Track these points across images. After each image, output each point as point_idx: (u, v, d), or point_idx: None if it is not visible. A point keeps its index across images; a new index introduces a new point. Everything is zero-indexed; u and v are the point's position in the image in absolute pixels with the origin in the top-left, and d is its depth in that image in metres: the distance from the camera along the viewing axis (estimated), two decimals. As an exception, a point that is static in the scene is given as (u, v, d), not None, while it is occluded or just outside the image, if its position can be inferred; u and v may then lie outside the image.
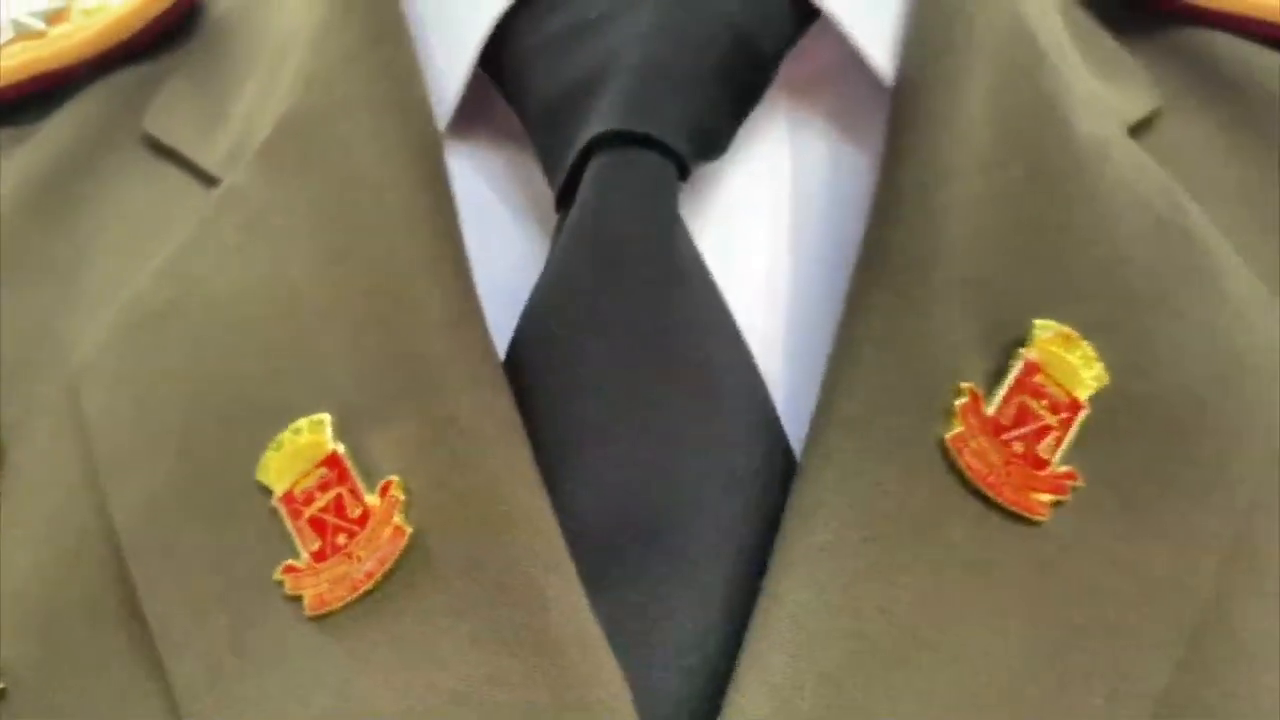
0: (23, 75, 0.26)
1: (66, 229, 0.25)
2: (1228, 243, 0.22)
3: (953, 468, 0.19)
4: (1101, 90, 0.23)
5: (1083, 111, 0.22)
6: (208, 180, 0.23)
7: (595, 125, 0.20)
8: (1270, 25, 0.26)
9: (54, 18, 0.28)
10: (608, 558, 0.19)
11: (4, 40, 0.27)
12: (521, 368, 0.20)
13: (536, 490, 0.19)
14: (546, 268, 0.20)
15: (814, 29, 0.22)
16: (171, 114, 0.25)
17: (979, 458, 0.19)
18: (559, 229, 0.20)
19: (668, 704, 0.18)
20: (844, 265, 0.20)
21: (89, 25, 0.27)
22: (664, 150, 0.20)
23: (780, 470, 0.19)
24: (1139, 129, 0.24)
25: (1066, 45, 0.24)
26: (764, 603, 0.18)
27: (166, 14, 0.27)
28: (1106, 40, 0.26)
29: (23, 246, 0.25)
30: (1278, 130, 0.25)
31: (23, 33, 0.27)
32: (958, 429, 0.19)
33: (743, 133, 0.22)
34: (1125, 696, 0.18)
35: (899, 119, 0.21)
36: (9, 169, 0.26)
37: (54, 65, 0.26)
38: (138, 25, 0.27)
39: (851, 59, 0.22)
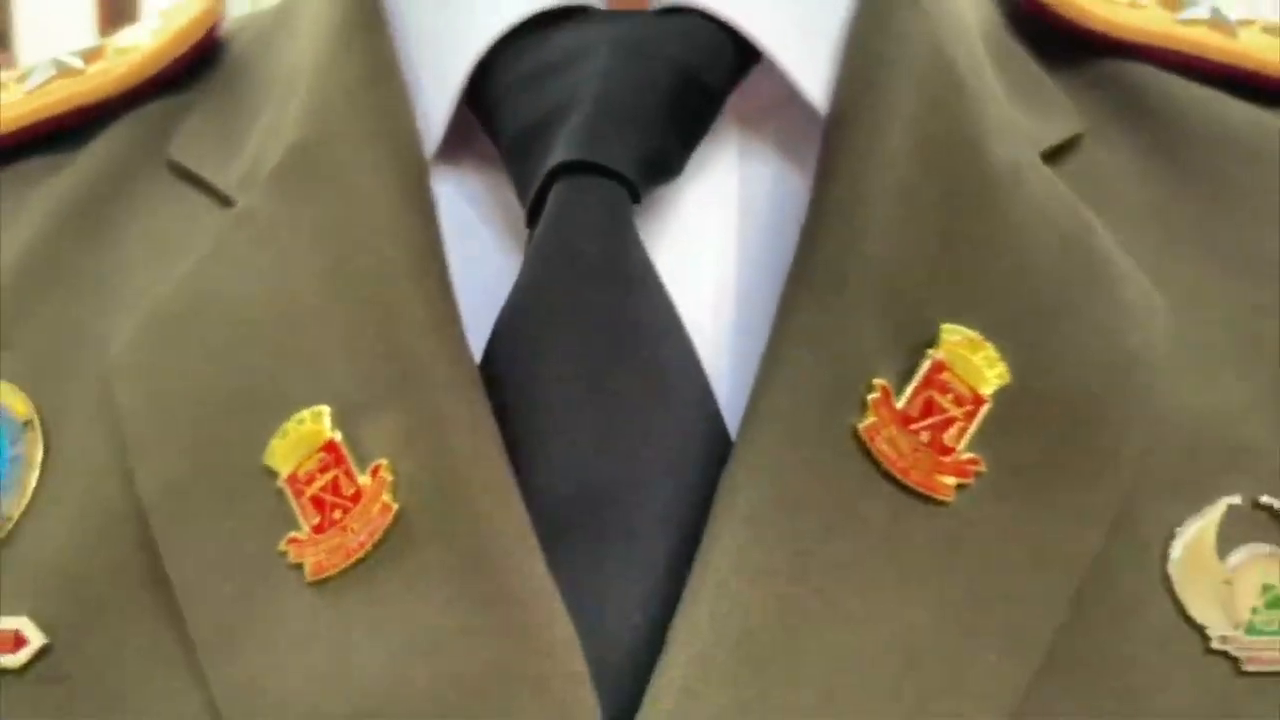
0: (63, 108, 0.29)
1: (100, 244, 0.28)
2: (1128, 256, 0.24)
3: (866, 454, 0.21)
4: (1019, 117, 0.26)
5: (997, 138, 0.24)
6: (224, 201, 0.26)
7: (557, 155, 0.23)
8: (1188, 57, 0.28)
9: (91, 56, 0.31)
10: (565, 530, 0.21)
11: (46, 77, 0.30)
12: (495, 364, 0.23)
13: (504, 472, 0.22)
14: (518, 279, 0.23)
15: (758, 69, 0.25)
16: (194, 143, 0.28)
17: (890, 445, 0.21)
18: (528, 245, 0.23)
19: (616, 653, 0.21)
20: (781, 276, 0.23)
21: (122, 63, 0.30)
22: (616, 177, 0.23)
23: (718, 455, 0.22)
24: (1058, 152, 0.26)
25: (988, 74, 0.26)
26: (696, 569, 0.21)
27: (190, 52, 0.30)
28: (1032, 67, 0.28)
29: (62, 260, 0.28)
30: (1194, 155, 0.27)
31: (63, 70, 0.30)
32: (871, 420, 0.21)
33: (695, 158, 0.25)
34: (1015, 654, 0.21)
35: (828, 149, 0.24)
36: (50, 191, 0.29)
37: (90, 99, 0.29)
38: (164, 62, 0.30)
39: (791, 94, 0.25)
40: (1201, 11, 0.29)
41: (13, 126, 0.29)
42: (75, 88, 0.30)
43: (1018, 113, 0.26)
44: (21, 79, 0.30)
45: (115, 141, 0.29)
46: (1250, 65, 0.28)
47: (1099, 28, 0.28)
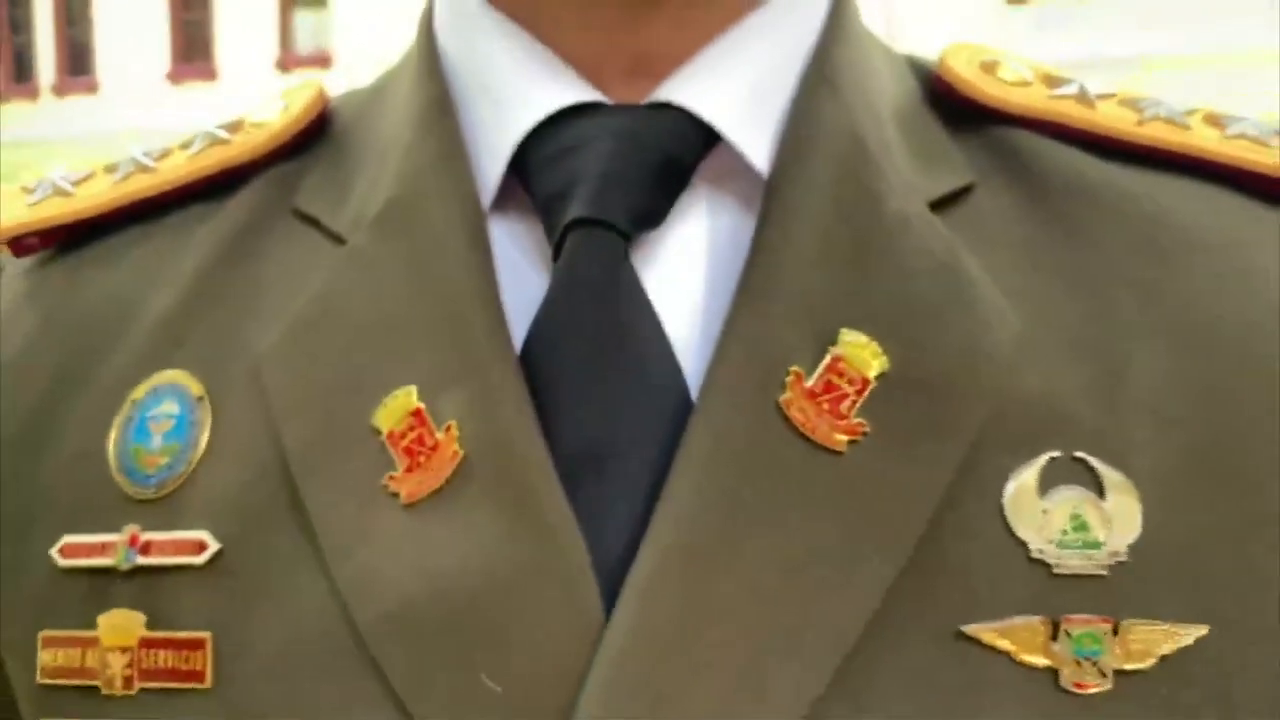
0: (216, 169, 0.39)
1: (245, 271, 0.38)
2: (994, 280, 0.33)
3: (785, 419, 0.31)
4: (915, 175, 0.35)
5: (892, 195, 0.33)
6: (337, 240, 0.36)
7: (573, 212, 0.33)
8: (1058, 126, 0.37)
9: (233, 129, 0.41)
10: (577, 473, 0.31)
11: (202, 145, 0.41)
12: (530, 357, 0.32)
13: (536, 433, 0.31)
14: (545, 297, 0.33)
15: (720, 146, 0.34)
16: (313, 195, 0.38)
17: (801, 412, 0.31)
18: (553, 274, 0.33)
19: (611, 556, 0.30)
20: (731, 295, 0.32)
21: (257, 134, 0.40)
22: (614, 228, 0.33)
23: (683, 421, 0.31)
24: (947, 201, 0.35)
25: (893, 143, 0.35)
26: (662, 500, 0.30)
27: (308, 128, 0.40)
28: (937, 132, 0.36)
29: (218, 282, 0.37)
30: (1057, 201, 0.36)
31: (214, 140, 0.40)
32: (788, 395, 0.31)
33: (676, 210, 0.34)
34: (888, 557, 0.29)
35: (766, 205, 0.33)
36: (208, 231, 0.39)
37: (235, 163, 0.39)
38: (288, 136, 0.39)
39: (743, 165, 0.34)
40: (1071, 89, 0.38)
41: (180, 182, 0.39)
42: (224, 153, 0.40)
43: (915, 171, 0.35)
44: (185, 146, 0.41)
45: (254, 194, 0.39)
46: (1103, 131, 0.37)
47: (991, 103, 0.37)
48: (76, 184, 0.40)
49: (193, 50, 20.13)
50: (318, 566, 0.31)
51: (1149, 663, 0.30)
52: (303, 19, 19.45)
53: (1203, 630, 0.30)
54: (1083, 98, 0.37)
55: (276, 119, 0.40)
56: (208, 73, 19.89)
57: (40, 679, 0.34)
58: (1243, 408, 0.33)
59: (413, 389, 0.32)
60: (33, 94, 21.49)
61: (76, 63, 21.13)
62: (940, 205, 0.34)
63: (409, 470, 0.31)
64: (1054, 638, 0.30)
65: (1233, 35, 13.57)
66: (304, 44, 19.45)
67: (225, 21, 19.74)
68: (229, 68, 19.68)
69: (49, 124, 21.18)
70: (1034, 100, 0.37)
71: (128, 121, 20.35)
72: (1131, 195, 0.36)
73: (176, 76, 20.18)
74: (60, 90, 21.23)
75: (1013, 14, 14.86)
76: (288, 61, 19.24)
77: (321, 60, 18.89)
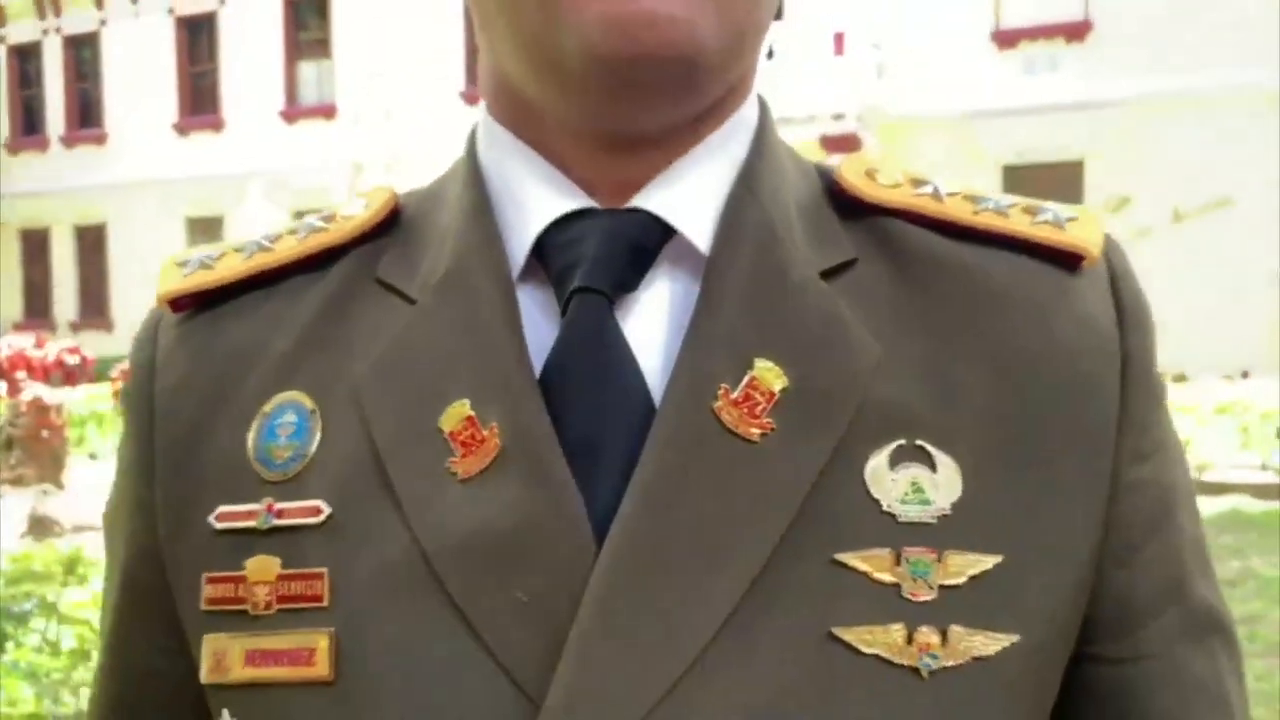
0: (318, 249, 0.54)
1: (341, 323, 0.52)
2: (865, 325, 0.48)
3: (717, 420, 0.45)
4: (811, 253, 0.50)
5: (794, 267, 0.49)
6: (409, 300, 0.51)
7: (575, 283, 0.48)
8: (916, 215, 0.52)
9: (328, 219, 0.56)
10: (578, 458, 0.46)
11: (308, 231, 0.56)
12: (545, 382, 0.47)
13: (550, 432, 0.46)
14: (555, 343, 0.48)
15: (676, 237, 0.50)
16: (391, 268, 0.53)
17: (728, 415, 0.46)
18: (561, 326, 0.48)
19: (600, 513, 0.44)
20: (681, 338, 0.48)
21: (347, 224, 0.55)
22: (603, 294, 0.48)
23: (649, 424, 0.46)
24: (836, 270, 0.50)
25: (796, 230, 0.50)
26: (633, 479, 0.44)
27: (384, 219, 0.55)
28: (831, 221, 0.51)
29: (322, 331, 0.53)
30: (918, 270, 0.51)
31: (314, 229, 0.56)
32: (720, 403, 0.46)
33: (645, 280, 0.49)
34: (783, 514, 0.44)
35: (706, 276, 0.48)
36: (314, 294, 0.54)
37: (332, 244, 0.54)
38: (370, 224, 0.54)
39: (692, 248, 0.50)
40: (928, 189, 0.53)
41: (292, 258, 0.55)
42: (323, 238, 0.55)
43: (812, 249, 0.50)
44: (293, 232, 0.56)
45: (347, 267, 0.54)
46: (949, 218, 0.52)
47: (871, 199, 0.53)
48: (216, 260, 0.55)
49: (200, 102, 20.31)
50: (399, 521, 0.46)
51: (962, 580, 0.45)
52: (307, 71, 19.80)
53: (999, 558, 0.45)
54: (935, 195, 0.53)
55: (360, 213, 0.55)
56: (215, 124, 20.14)
57: (204, 606, 0.49)
58: (1038, 410, 0.48)
59: (466, 402, 0.47)
60: (42, 146, 21.81)
61: (86, 115, 21.47)
62: (829, 274, 0.50)
63: (464, 456, 0.46)
64: (898, 563, 0.44)
65: (1224, 78, 13.87)
66: (308, 96, 19.79)
67: (231, 74, 20.06)
68: (235, 119, 19.96)
69: (58, 175, 21.57)
70: (902, 197, 0.52)
71: (136, 173, 20.72)
72: (968, 265, 0.51)
73: (184, 128, 20.43)
74: (69, 142, 21.57)
75: (1002, 58, 15.14)
76: (293, 113, 19.54)
77: (326, 112, 19.13)
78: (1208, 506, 7.22)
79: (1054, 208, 0.53)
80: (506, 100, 0.52)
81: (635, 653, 0.43)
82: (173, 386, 0.53)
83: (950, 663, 0.44)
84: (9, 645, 3.36)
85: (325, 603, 0.46)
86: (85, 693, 3.36)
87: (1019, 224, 0.52)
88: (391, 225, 0.55)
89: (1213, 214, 14.05)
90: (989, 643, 0.44)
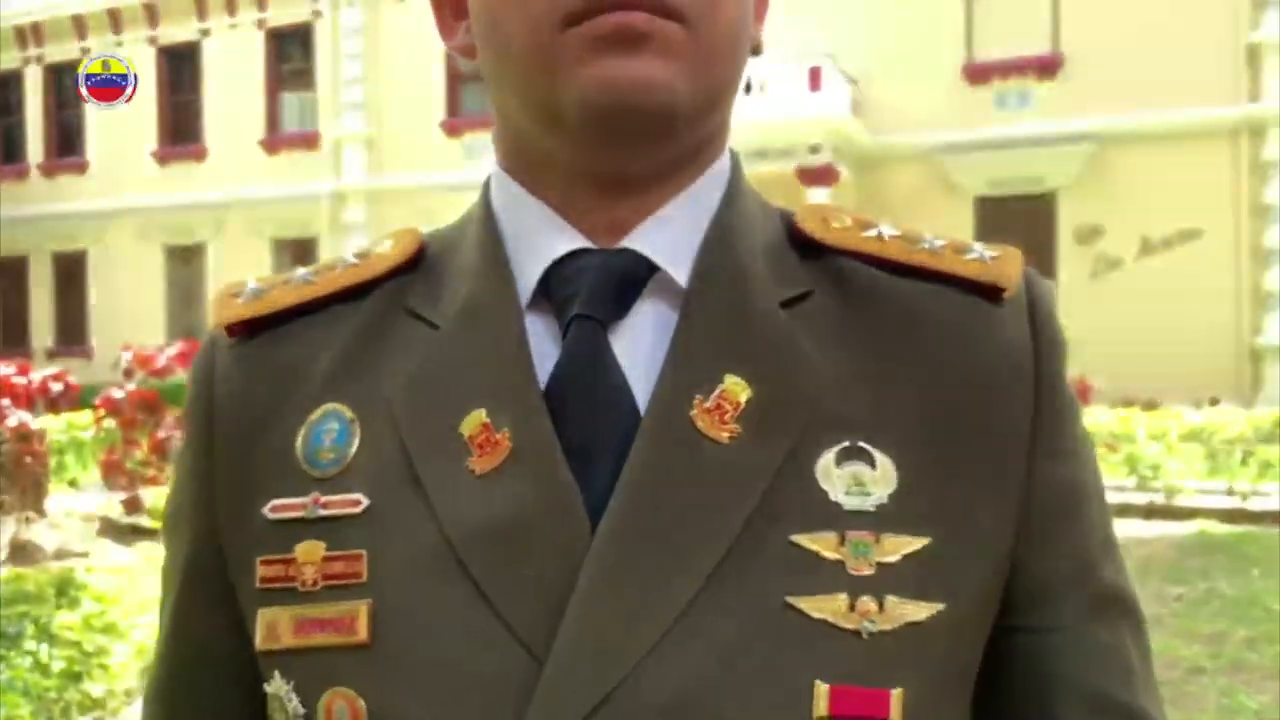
0: (353, 282, 0.64)
1: (375, 349, 0.61)
2: (818, 347, 0.58)
3: (693, 425, 0.55)
4: (773, 286, 0.59)
5: (758, 298, 0.58)
6: (434, 326, 0.60)
7: (574, 311, 0.57)
8: (862, 254, 0.62)
9: (362, 256, 0.66)
10: (576, 458, 0.55)
11: (345, 266, 0.65)
12: (549, 395, 0.56)
13: (553, 437, 0.55)
14: (556, 363, 0.57)
15: (660, 273, 0.59)
16: (419, 299, 0.62)
17: (701, 421, 0.55)
18: (562, 348, 0.58)
19: (595, 504, 0.54)
20: (663, 357, 0.57)
21: (380, 261, 0.64)
22: (598, 320, 0.57)
23: (636, 431, 0.55)
24: (793, 301, 0.59)
25: (760, 266, 0.59)
26: (623, 475, 0.53)
27: (412, 256, 0.64)
28: (791, 260, 0.61)
29: (357, 355, 0.62)
30: (865, 301, 0.60)
31: (350, 265, 0.65)
32: (695, 412, 0.55)
33: (633, 309, 0.59)
34: (745, 503, 0.54)
35: (684, 306, 0.58)
36: (349, 322, 0.63)
37: (367, 277, 0.63)
38: (400, 261, 0.63)
39: (673, 281, 0.59)
40: (873, 231, 0.63)
41: (333, 289, 0.64)
42: (359, 272, 0.64)
43: (774, 284, 0.60)
44: (331, 267, 0.66)
45: (379, 299, 0.63)
46: (890, 256, 0.61)
47: (825, 241, 0.62)
48: (265, 292, 0.65)
49: (181, 131, 20.33)
50: (427, 513, 0.55)
51: (896, 558, 0.54)
52: (289, 102, 19.89)
53: (927, 540, 0.54)
54: (879, 237, 0.63)
55: (390, 251, 0.65)
56: (197, 153, 20.16)
57: (259, 585, 0.58)
58: (963, 418, 0.58)
59: (483, 411, 0.57)
60: (22, 174, 21.79)
61: (66, 143, 21.50)
62: (788, 304, 0.59)
63: (480, 457, 0.56)
64: (842, 544, 0.54)
65: (1192, 112, 14.16)
66: (290, 125, 19.88)
67: (213, 103, 20.16)
68: (217, 148, 20.03)
69: (37, 203, 21.54)
70: (851, 239, 0.62)
71: (116, 201, 20.71)
72: (905, 296, 0.61)
73: (164, 157, 20.45)
74: (49, 170, 21.58)
75: (973, 92, 15.43)
76: (275, 143, 19.63)
77: (307, 141, 19.26)
78: (1176, 530, 7.38)
79: (979, 248, 0.63)
80: (517, 155, 0.62)
81: (624, 617, 0.52)
82: (230, 398, 0.62)
83: (886, 626, 0.53)
84: (1, 666, 3.41)
85: (364, 579, 0.55)
86: (75, 714, 3.42)
87: (949, 261, 0.61)
88: (418, 262, 0.64)
89: (1182, 245, 14.33)
90: (919, 610, 0.54)
